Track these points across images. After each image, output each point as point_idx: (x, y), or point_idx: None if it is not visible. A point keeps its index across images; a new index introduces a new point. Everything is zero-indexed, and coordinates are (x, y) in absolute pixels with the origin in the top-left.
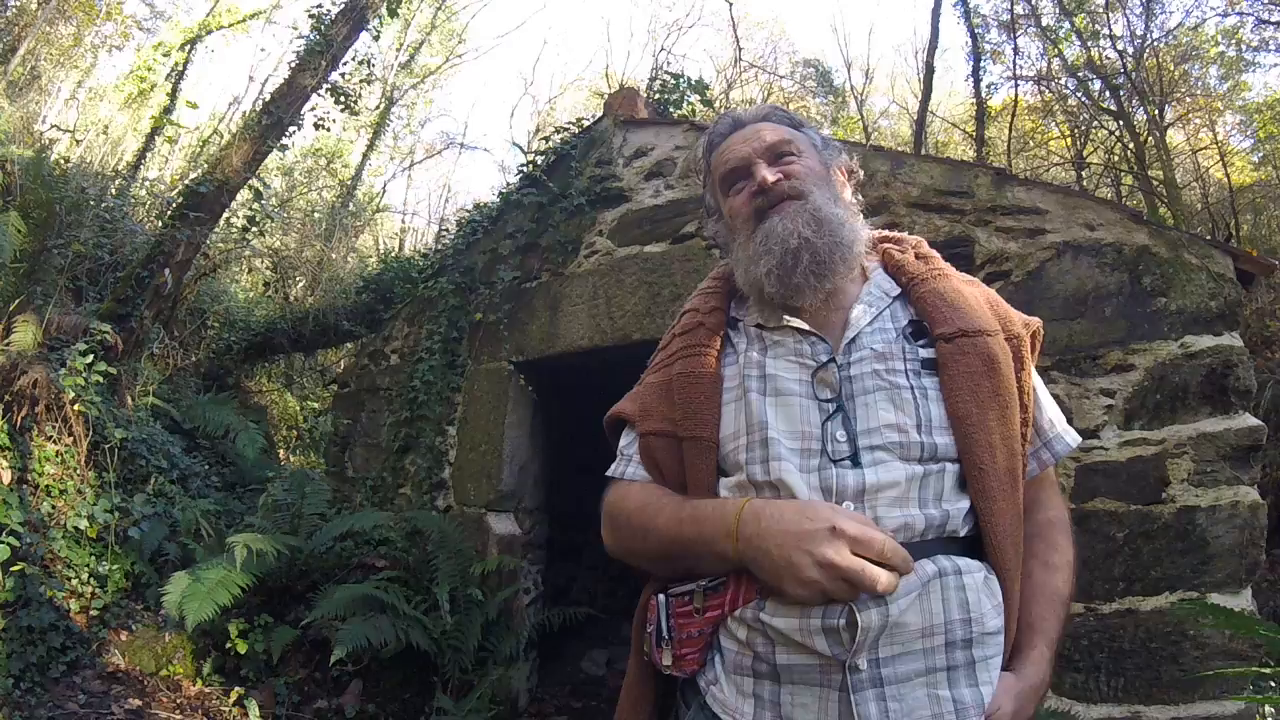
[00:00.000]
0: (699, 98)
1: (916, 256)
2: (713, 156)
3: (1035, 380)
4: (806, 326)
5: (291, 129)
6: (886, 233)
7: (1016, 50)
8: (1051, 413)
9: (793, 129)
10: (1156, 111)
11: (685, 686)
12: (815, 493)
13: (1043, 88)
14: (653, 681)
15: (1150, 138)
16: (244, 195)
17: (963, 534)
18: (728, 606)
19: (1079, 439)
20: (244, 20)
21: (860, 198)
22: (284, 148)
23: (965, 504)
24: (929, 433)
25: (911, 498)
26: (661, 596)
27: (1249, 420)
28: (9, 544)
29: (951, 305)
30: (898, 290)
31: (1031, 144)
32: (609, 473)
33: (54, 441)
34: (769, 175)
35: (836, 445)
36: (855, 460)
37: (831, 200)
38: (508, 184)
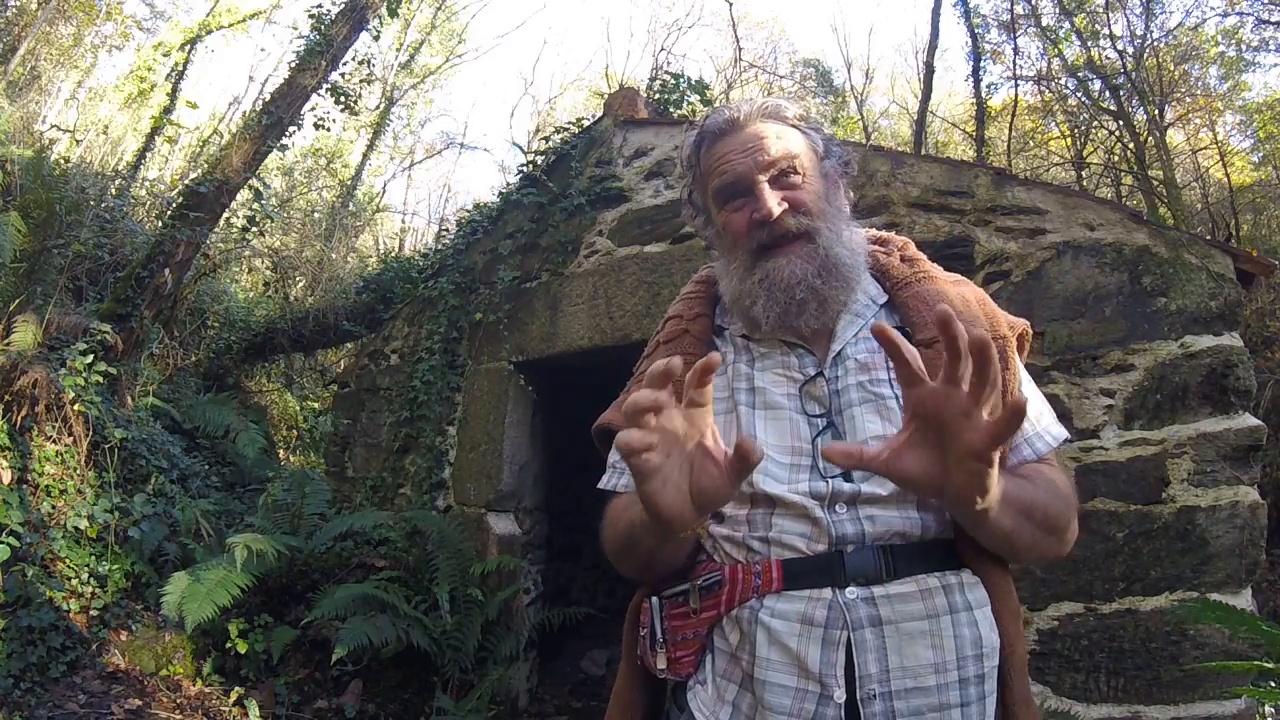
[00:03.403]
0: (699, 98)
1: (902, 259)
2: (704, 155)
3: (1021, 379)
4: (794, 339)
5: (291, 129)
6: (874, 232)
7: (1016, 50)
8: (1031, 413)
9: (793, 130)
10: (1156, 111)
11: (677, 690)
12: (805, 498)
13: (1043, 88)
14: (644, 688)
15: (1150, 138)
16: (244, 195)
17: (955, 537)
18: (724, 606)
19: (1064, 433)
20: (244, 20)
21: (851, 195)
22: (284, 148)
23: None
24: None
25: (909, 501)
26: (654, 599)
27: (1249, 420)
28: (9, 544)
29: (933, 308)
30: (884, 297)
31: (1031, 144)
32: (601, 485)
33: (54, 441)
34: (774, 206)
35: (827, 461)
36: (847, 476)
37: (838, 236)
38: (508, 184)
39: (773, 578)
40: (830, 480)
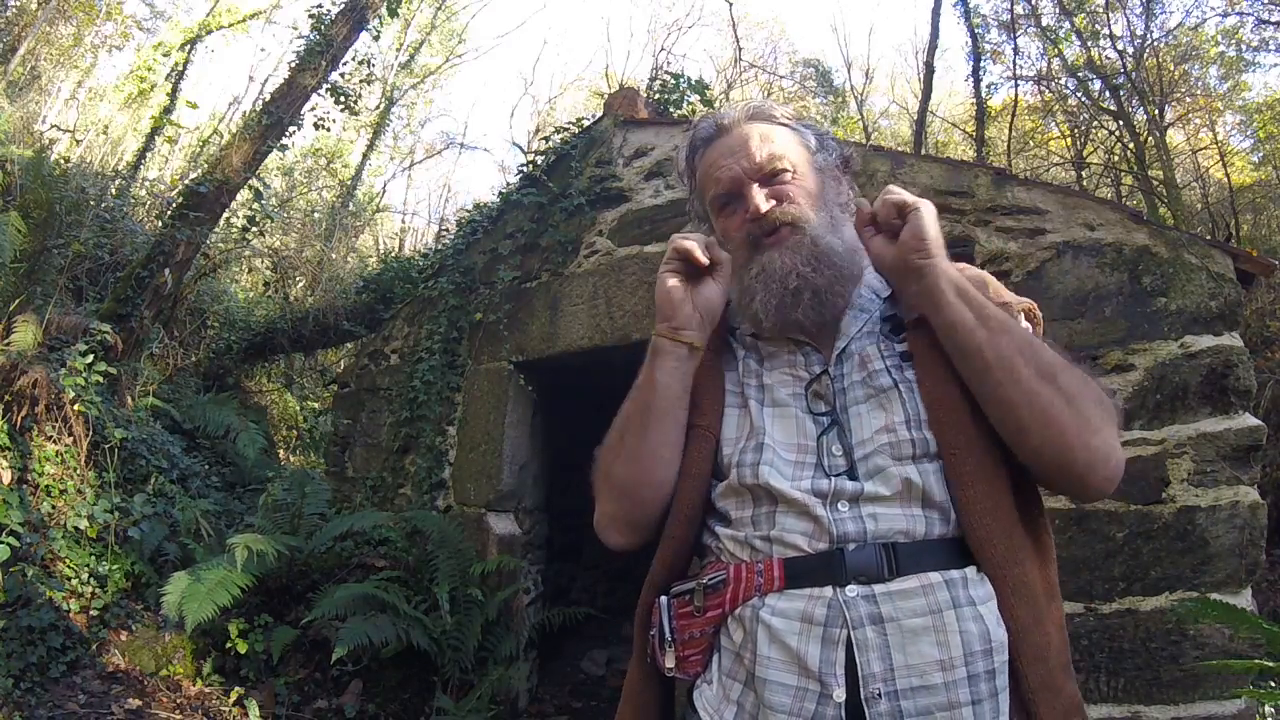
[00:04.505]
0: (699, 98)
1: None
2: (697, 162)
3: None
4: (801, 336)
5: (291, 129)
6: None
7: (1016, 50)
8: None
9: (781, 129)
10: (1156, 111)
11: (689, 690)
12: (807, 495)
13: (1043, 88)
14: (657, 687)
15: (1150, 138)
16: (244, 195)
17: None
18: (728, 605)
19: None
20: (244, 20)
21: (855, 189)
22: (284, 148)
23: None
24: (918, 427)
25: (914, 499)
26: (664, 598)
27: (1249, 420)
28: (9, 544)
29: None
30: (888, 290)
31: (1031, 144)
32: None
33: (54, 441)
34: (762, 203)
35: (833, 460)
36: (851, 475)
37: (830, 227)
38: (508, 184)
39: (774, 576)
40: (834, 479)
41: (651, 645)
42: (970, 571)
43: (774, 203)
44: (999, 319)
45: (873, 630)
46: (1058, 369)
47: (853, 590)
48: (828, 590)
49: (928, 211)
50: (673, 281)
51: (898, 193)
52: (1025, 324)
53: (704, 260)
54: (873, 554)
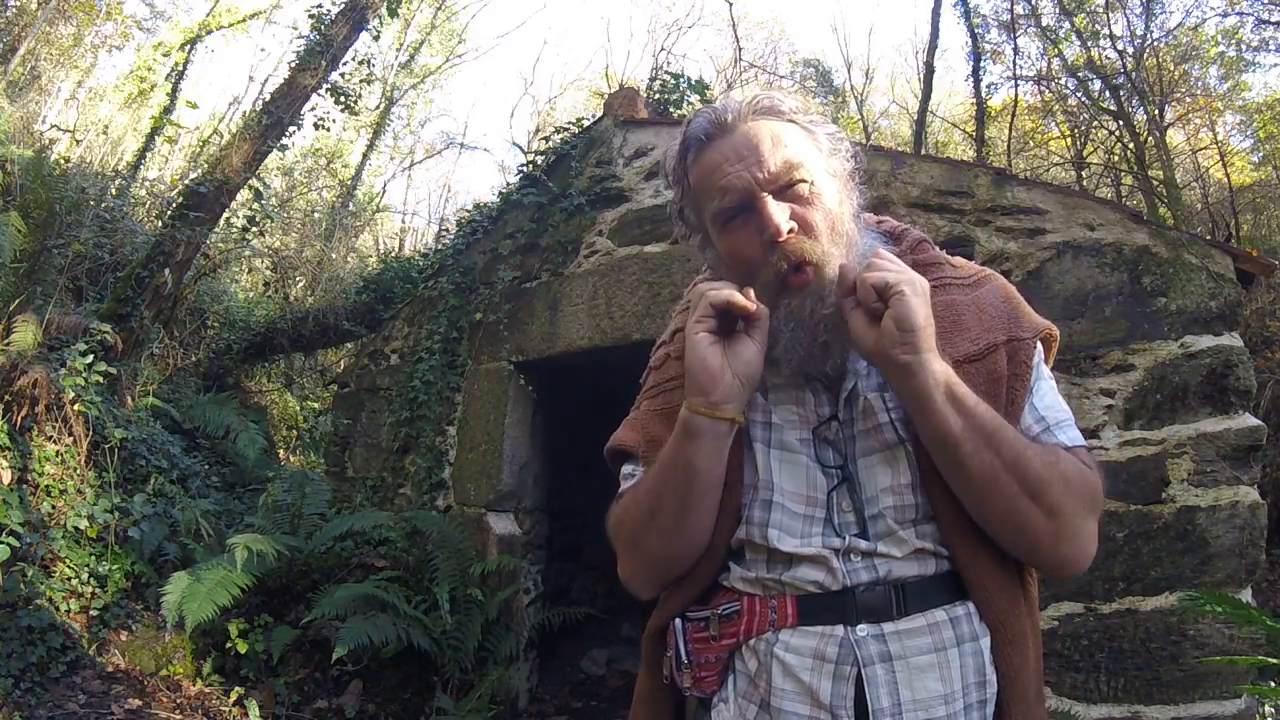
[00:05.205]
0: (699, 98)
1: (914, 264)
2: (691, 165)
3: (1036, 387)
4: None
5: (291, 129)
6: (890, 223)
7: (1016, 50)
8: (1031, 419)
9: (790, 126)
10: (1156, 111)
11: (703, 701)
12: (820, 550)
13: (1043, 88)
14: (671, 697)
15: (1150, 138)
16: (244, 195)
17: (959, 568)
18: (742, 635)
19: (1079, 440)
20: (244, 20)
21: (863, 188)
22: (284, 148)
23: None
24: (920, 491)
25: (927, 555)
26: (678, 621)
27: (1249, 420)
28: (9, 544)
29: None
30: None
31: (1031, 144)
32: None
33: (54, 441)
34: (782, 223)
35: (843, 517)
36: (864, 534)
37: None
38: (508, 184)
39: (788, 613)
40: (846, 537)
41: (668, 665)
42: (972, 606)
43: (794, 225)
44: (988, 430)
45: (882, 668)
46: (1044, 482)
47: (863, 630)
48: (839, 629)
49: (914, 294)
50: (709, 345)
51: (879, 271)
52: (1040, 351)
53: (752, 308)
54: (883, 592)
